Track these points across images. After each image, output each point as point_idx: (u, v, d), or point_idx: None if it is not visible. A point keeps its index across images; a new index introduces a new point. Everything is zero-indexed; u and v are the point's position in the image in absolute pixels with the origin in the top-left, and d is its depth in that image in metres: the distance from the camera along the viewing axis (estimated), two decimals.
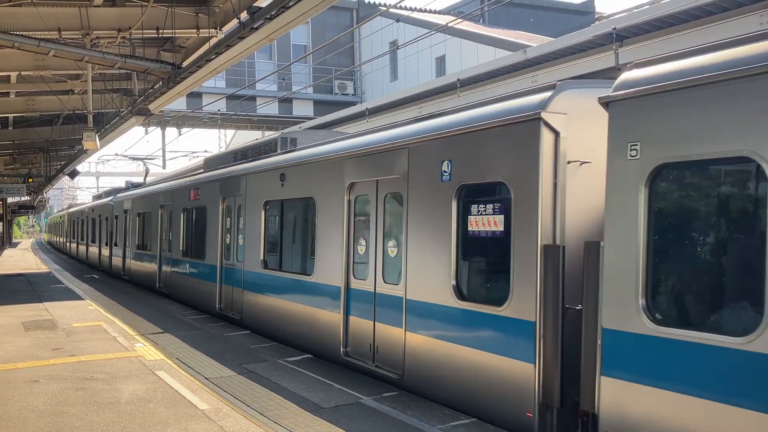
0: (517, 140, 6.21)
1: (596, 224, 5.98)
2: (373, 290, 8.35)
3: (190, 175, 17.64)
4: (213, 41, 12.51)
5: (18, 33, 11.58)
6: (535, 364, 5.91)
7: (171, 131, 35.77)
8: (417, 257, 7.48)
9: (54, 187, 52.69)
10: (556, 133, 5.98)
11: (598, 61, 14.15)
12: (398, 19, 27.12)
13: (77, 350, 10.18)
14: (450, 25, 19.14)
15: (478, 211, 6.70)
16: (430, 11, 37.59)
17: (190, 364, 9.18)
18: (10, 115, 22.24)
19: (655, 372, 4.85)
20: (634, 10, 14.65)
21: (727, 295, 4.62)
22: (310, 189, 9.96)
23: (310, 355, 9.57)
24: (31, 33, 11.87)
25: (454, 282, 6.93)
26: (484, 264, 6.89)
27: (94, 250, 29.49)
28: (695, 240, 4.81)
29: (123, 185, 29.98)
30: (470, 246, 6.85)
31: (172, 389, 7.82)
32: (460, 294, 6.87)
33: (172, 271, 16.84)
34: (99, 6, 12.30)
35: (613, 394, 5.14)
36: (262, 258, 11.54)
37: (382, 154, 8.23)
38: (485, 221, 6.63)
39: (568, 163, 6.02)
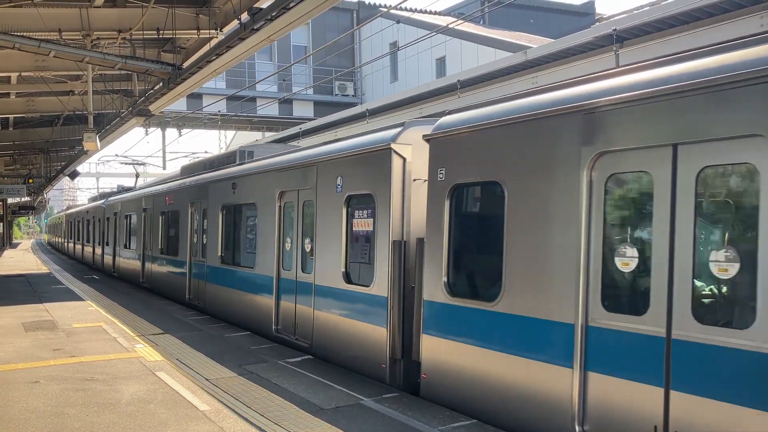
0: (377, 163, 8.31)
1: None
2: (294, 279, 10.38)
3: (168, 182, 19.62)
4: (213, 42, 12.51)
5: (18, 34, 11.59)
6: (386, 328, 8.02)
7: (171, 132, 35.79)
8: (322, 251, 9.49)
9: (54, 187, 52.69)
10: (404, 159, 8.06)
11: (598, 62, 14.15)
12: (398, 20, 27.14)
13: (77, 351, 10.18)
14: (450, 26, 19.15)
15: (358, 215, 8.78)
16: (431, 12, 37.60)
17: (190, 365, 9.18)
18: (11, 116, 22.25)
19: (451, 329, 7.05)
20: (635, 12, 14.66)
21: (486, 275, 7.00)
22: (253, 196, 11.96)
23: (310, 356, 9.57)
24: (31, 34, 11.88)
25: (344, 269, 8.97)
26: (360, 255, 8.80)
27: (88, 249, 31.63)
28: (475, 237, 7.36)
29: (123, 187, 31.72)
30: (354, 242, 8.90)
31: (173, 390, 7.82)
32: (347, 279, 8.89)
33: (153, 267, 18.91)
34: (99, 7, 12.31)
35: (429, 347, 7.34)
36: (219, 254, 13.57)
37: (301, 169, 10.22)
38: (362, 222, 8.71)
39: (413, 180, 8.07)
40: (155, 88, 15.46)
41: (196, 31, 12.82)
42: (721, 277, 4.72)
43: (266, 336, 11.12)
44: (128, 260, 22.13)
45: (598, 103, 5.52)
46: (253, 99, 33.94)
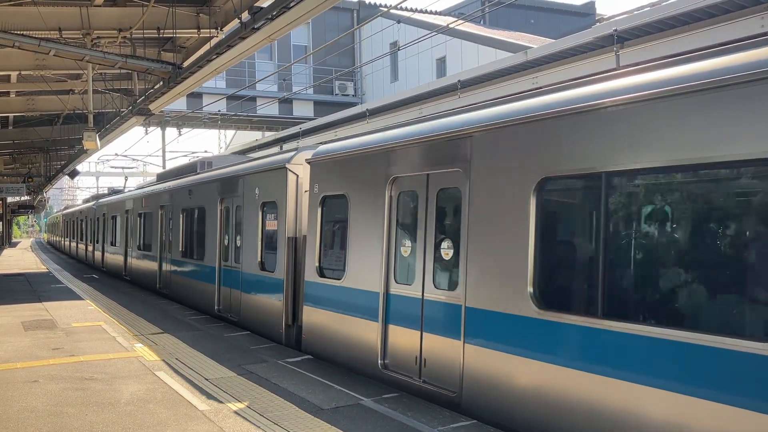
0: (278, 178, 10.85)
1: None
2: (231, 268, 12.95)
3: (147, 186, 22.95)
4: (214, 41, 12.50)
5: (18, 32, 11.57)
6: (283, 302, 10.59)
7: (171, 131, 35.84)
8: (246, 246, 12.00)
9: (54, 186, 52.68)
10: (297, 175, 10.55)
11: (598, 62, 14.13)
12: (399, 20, 27.11)
13: (77, 350, 10.17)
14: (451, 26, 19.13)
15: (269, 217, 11.22)
16: (431, 12, 37.59)
17: (189, 365, 9.16)
18: (10, 115, 22.23)
19: (319, 300, 9.45)
20: (635, 12, 14.66)
21: (338, 261, 9.17)
22: (203, 201, 14.56)
23: (310, 356, 9.56)
24: (31, 32, 11.86)
25: (260, 260, 11.52)
26: (271, 249, 11.11)
27: (82, 247, 34.65)
28: (333, 235, 9.52)
29: (114, 189, 35.06)
30: (268, 239, 11.31)
31: (172, 390, 7.81)
32: (262, 267, 11.43)
33: (133, 261, 21.65)
34: (100, 6, 12.30)
35: (306, 314, 9.75)
36: (181, 249, 16.20)
37: (234, 180, 12.78)
38: (271, 223, 11.15)
39: (305, 191, 10.37)
40: (155, 87, 15.45)
41: (196, 31, 12.80)
42: (445, 259, 7.17)
43: (209, 314, 13.86)
44: (114, 256, 24.81)
45: (394, 146, 8.00)
46: (253, 98, 33.93)
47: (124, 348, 10.38)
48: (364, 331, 8.25)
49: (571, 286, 5.83)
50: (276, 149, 25.24)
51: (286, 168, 10.58)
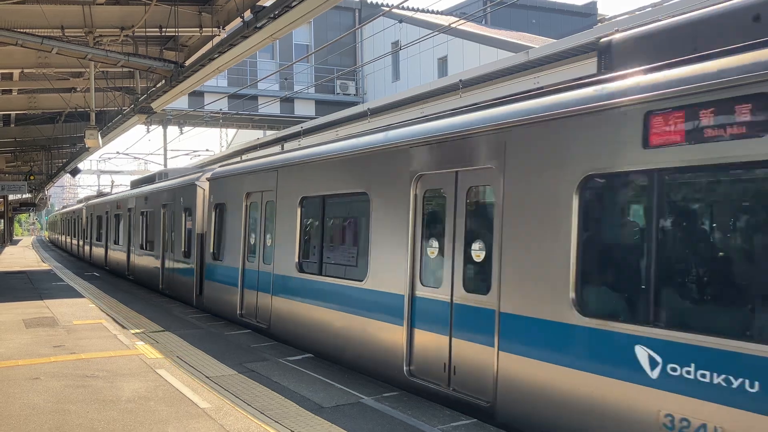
0: (190, 192, 15.15)
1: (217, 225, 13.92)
2: (161, 258, 17.69)
3: (120, 193, 28.50)
4: (216, 40, 12.52)
5: (21, 30, 11.59)
6: (194, 279, 14.91)
7: (173, 130, 35.85)
8: (176, 241, 16.45)
9: (55, 184, 52.69)
10: (203, 189, 14.36)
11: None
12: (401, 19, 27.10)
13: (78, 348, 10.19)
14: (452, 25, 19.13)
15: (186, 218, 15.43)
16: (433, 12, 37.58)
17: (190, 363, 9.18)
18: (13, 113, 22.26)
19: (215, 277, 13.53)
20: (637, 12, 14.66)
21: (223, 248, 13.29)
22: (151, 206, 19.17)
23: (311, 355, 9.58)
24: (34, 30, 11.88)
25: (184, 249, 15.60)
26: (186, 243, 15.42)
27: (74, 242, 39.81)
28: (219, 230, 13.44)
29: (101, 192, 41.26)
30: (188, 235, 15.32)
31: (173, 387, 7.83)
32: (185, 255, 15.38)
33: (112, 254, 26.11)
34: (102, 4, 12.32)
35: (205, 287, 14.37)
36: (140, 243, 20.60)
37: (169, 192, 17.28)
38: (187, 222, 15.33)
39: (210, 201, 13.88)
40: (157, 85, 15.47)
41: (198, 29, 12.82)
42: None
43: (150, 288, 18.63)
44: (98, 250, 29.28)
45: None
46: (255, 97, 33.94)
47: (125, 346, 10.40)
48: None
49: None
50: (256, 153, 28.49)
51: (195, 185, 14.96)
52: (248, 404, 7.15)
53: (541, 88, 6.80)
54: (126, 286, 20.32)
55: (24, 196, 48.74)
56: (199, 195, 14.58)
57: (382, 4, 39.17)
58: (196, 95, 32.73)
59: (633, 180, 5.27)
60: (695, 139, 4.73)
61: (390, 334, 7.80)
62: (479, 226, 6.82)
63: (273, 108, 34.62)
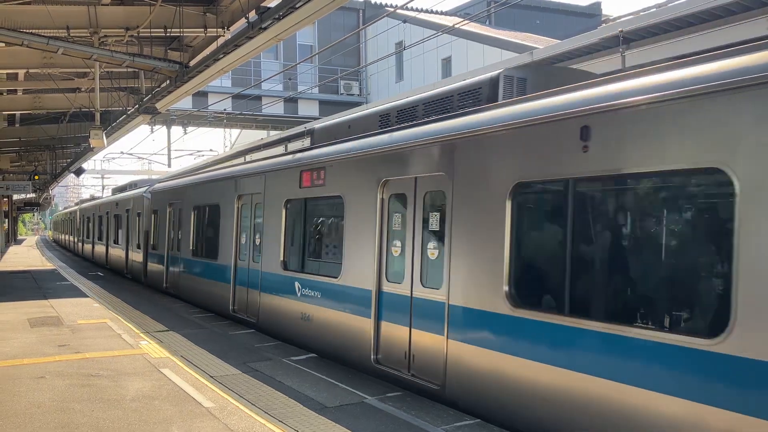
0: (140, 201, 21.07)
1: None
2: (128, 250, 22.39)
3: (104, 198, 35.65)
4: (220, 41, 12.54)
5: (27, 31, 11.63)
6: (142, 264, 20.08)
7: (176, 130, 35.91)
8: (132, 236, 22.15)
9: (59, 184, 52.83)
10: (149, 198, 20.03)
11: (604, 63, 14.15)
12: (405, 20, 27.09)
13: (83, 347, 10.23)
14: (456, 26, 19.13)
15: (138, 221, 21.30)
16: (437, 12, 37.58)
17: (195, 362, 9.21)
18: (17, 113, 22.32)
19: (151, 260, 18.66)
20: (641, 13, 14.65)
21: (161, 242, 17.93)
22: (122, 209, 24.44)
23: (314, 355, 9.60)
24: (39, 31, 11.92)
25: (137, 242, 20.56)
26: (138, 238, 20.90)
27: (71, 239, 46.21)
28: (160, 228, 18.55)
29: (93, 197, 47.83)
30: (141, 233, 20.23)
31: (177, 387, 7.85)
32: (137, 246, 20.07)
33: (96, 249, 31.77)
34: (107, 4, 12.36)
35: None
36: (113, 239, 26.22)
37: (129, 200, 22.97)
38: (140, 225, 21.12)
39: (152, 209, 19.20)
40: (162, 86, 15.51)
41: (203, 30, 12.84)
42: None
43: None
44: (90, 247, 34.41)
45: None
46: (259, 98, 33.98)
47: (129, 345, 10.44)
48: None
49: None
50: (240, 160, 29.69)
51: (144, 196, 20.56)
52: (252, 404, 7.17)
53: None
54: (130, 286, 20.38)
55: (28, 195, 48.86)
56: (146, 204, 20.44)
57: (386, 5, 39.19)
58: (200, 95, 32.79)
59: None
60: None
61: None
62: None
63: (277, 108, 34.66)
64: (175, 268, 17.00)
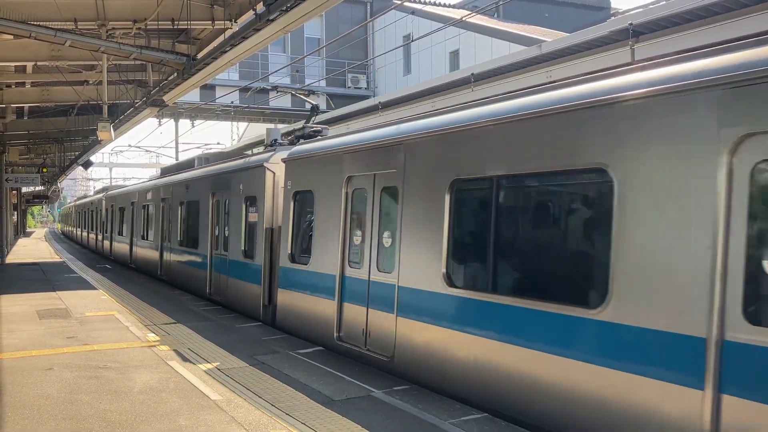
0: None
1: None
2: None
3: (90, 196, 44.04)
4: (228, 33, 12.51)
5: (35, 23, 11.64)
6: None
7: (184, 123, 35.99)
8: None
9: (68, 177, 53.05)
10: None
11: (613, 57, 14.04)
12: (413, 12, 26.95)
13: (90, 339, 10.27)
14: (464, 19, 19.03)
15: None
16: (444, 5, 37.42)
17: (202, 355, 9.23)
18: (26, 105, 22.37)
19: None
20: (650, 6, 14.54)
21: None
22: (98, 209, 32.38)
23: (321, 348, 9.60)
24: (47, 23, 11.92)
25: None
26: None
27: (72, 230, 53.77)
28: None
29: (86, 195, 54.35)
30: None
31: (185, 379, 7.87)
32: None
33: (88, 235, 38.68)
34: None
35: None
36: (120, 232, 27.18)
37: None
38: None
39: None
40: (169, 78, 15.50)
41: (210, 22, 12.80)
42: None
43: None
44: (81, 234, 43.16)
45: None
46: (266, 90, 33.92)
47: (137, 337, 10.47)
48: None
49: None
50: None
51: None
52: (259, 396, 7.18)
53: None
54: (136, 276, 20.44)
55: (37, 188, 49.08)
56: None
57: None
58: (208, 88, 32.77)
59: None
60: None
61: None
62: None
63: (284, 101, 34.60)
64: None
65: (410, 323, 7.75)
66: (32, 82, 19.41)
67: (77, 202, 49.14)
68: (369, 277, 8.68)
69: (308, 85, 32.48)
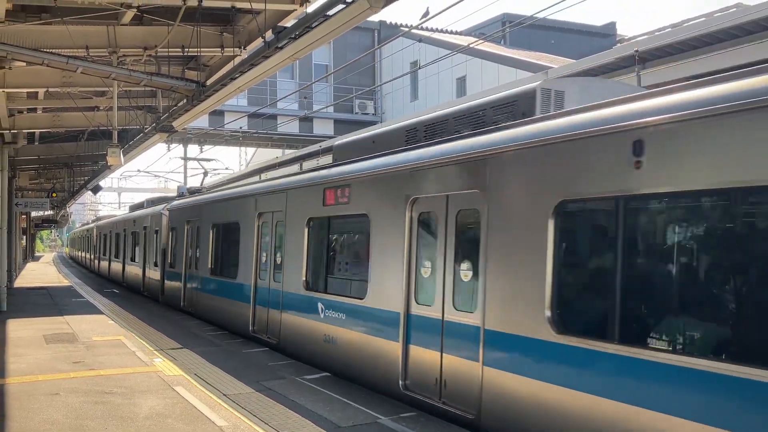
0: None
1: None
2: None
3: (87, 224, 57.16)
4: (237, 60, 12.64)
5: (48, 50, 11.80)
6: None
7: (193, 148, 36.25)
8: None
9: (77, 201, 53.40)
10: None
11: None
12: (420, 39, 27.19)
13: (97, 364, 10.25)
14: (471, 46, 19.17)
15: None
16: (451, 32, 37.77)
17: (208, 380, 9.19)
18: (37, 131, 22.60)
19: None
20: (656, 33, 14.64)
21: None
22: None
23: (328, 374, 9.54)
24: (60, 50, 12.09)
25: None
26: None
27: (87, 257, 53.71)
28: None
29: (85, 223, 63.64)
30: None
31: (191, 405, 7.83)
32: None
33: (84, 256, 48.85)
34: (126, 24, 12.52)
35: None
36: (112, 253, 32.08)
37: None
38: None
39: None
40: (179, 104, 15.65)
41: (220, 49, 12.95)
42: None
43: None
44: (82, 256, 47.90)
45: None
46: (274, 116, 34.21)
47: (143, 362, 10.44)
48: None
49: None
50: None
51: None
52: (265, 423, 7.13)
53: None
54: (144, 303, 20.44)
55: (46, 212, 49.40)
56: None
57: (402, 25, 39.45)
58: (217, 114, 33.06)
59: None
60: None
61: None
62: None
63: (292, 127, 34.85)
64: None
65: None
66: (44, 108, 19.63)
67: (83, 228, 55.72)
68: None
69: (315, 111, 32.73)
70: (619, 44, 21.03)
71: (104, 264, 34.53)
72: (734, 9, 13.68)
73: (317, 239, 10.56)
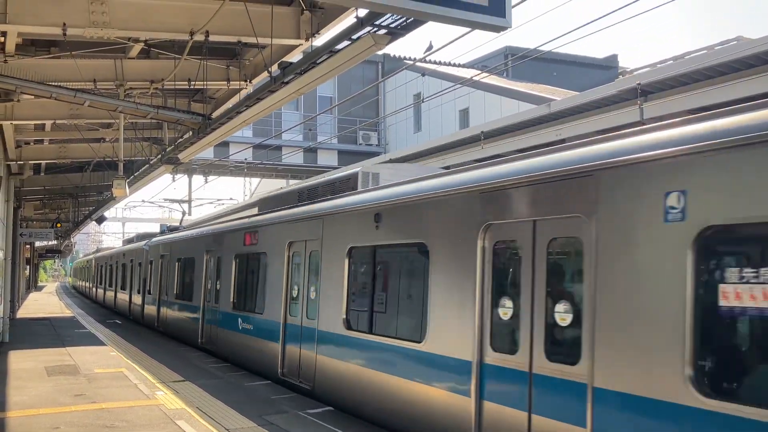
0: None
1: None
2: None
3: (88, 255, 63.64)
4: (243, 93, 12.77)
5: (56, 84, 11.94)
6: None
7: (197, 178, 36.42)
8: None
9: (81, 231, 53.53)
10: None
11: (622, 115, 14.20)
12: (424, 73, 27.45)
13: (99, 397, 10.17)
14: (474, 78, 19.38)
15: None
16: (455, 65, 38.15)
17: (210, 414, 9.11)
18: (43, 162, 22.76)
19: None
20: (658, 65, 14.75)
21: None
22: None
23: (331, 408, 9.45)
24: (67, 83, 12.23)
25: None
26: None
27: (88, 285, 54.57)
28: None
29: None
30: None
31: None
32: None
33: (83, 285, 54.36)
34: (134, 58, 12.68)
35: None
36: (108, 283, 35.43)
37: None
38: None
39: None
40: (185, 136, 15.77)
41: (226, 83, 13.10)
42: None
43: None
44: (101, 292, 39.47)
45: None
46: (279, 148, 34.42)
47: (145, 395, 10.36)
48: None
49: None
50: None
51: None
52: None
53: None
54: (147, 334, 20.36)
55: (50, 243, 49.48)
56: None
57: (405, 58, 39.87)
58: (222, 145, 33.24)
59: None
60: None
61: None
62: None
63: (296, 158, 35.05)
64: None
65: None
66: (50, 139, 19.79)
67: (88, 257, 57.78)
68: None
69: (320, 142, 32.93)
70: (621, 76, 21.21)
71: (100, 292, 38.88)
72: (735, 42, 13.80)
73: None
